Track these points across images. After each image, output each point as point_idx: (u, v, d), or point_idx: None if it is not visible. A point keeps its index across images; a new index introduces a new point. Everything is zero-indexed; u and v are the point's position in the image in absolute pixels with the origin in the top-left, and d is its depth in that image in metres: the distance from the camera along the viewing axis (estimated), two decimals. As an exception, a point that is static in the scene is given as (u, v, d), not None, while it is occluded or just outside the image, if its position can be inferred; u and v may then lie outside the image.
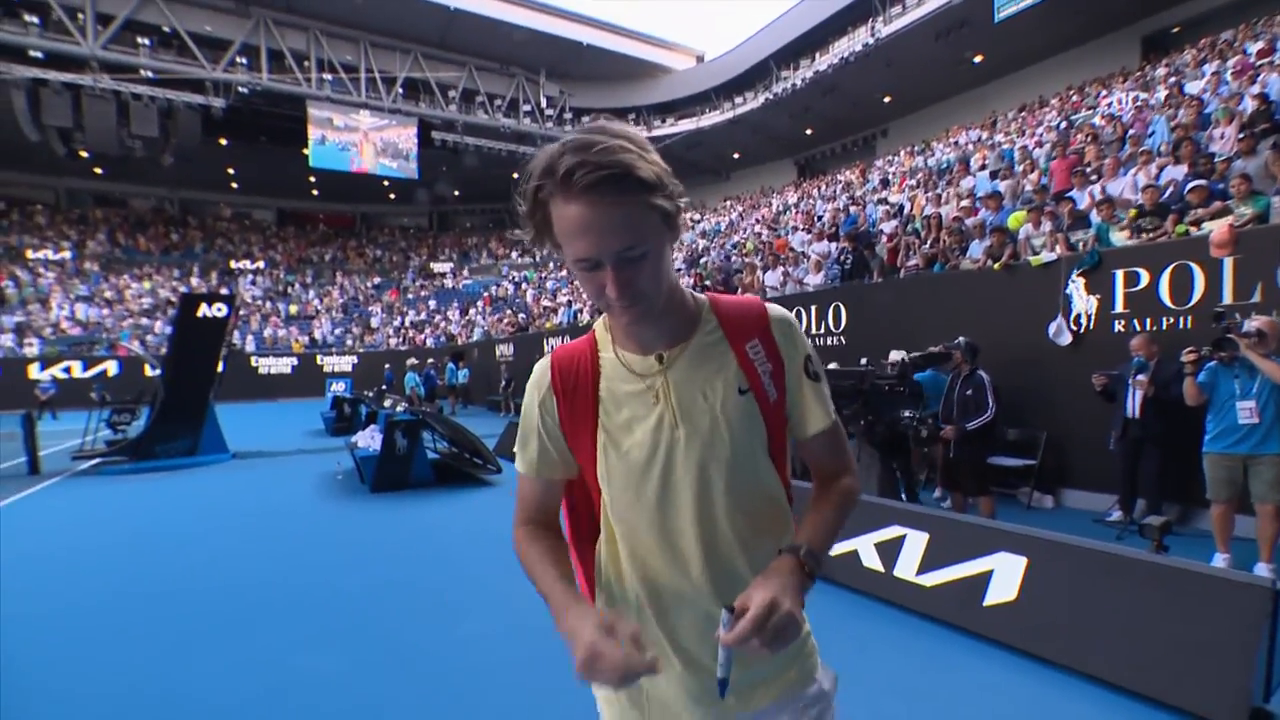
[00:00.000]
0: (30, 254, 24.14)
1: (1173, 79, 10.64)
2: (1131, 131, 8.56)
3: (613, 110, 27.22)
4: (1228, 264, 4.52)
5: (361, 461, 7.08)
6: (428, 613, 3.45)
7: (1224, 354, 3.71)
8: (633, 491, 0.80)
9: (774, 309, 0.86)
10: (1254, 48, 9.80)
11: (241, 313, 23.83)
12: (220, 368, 9.18)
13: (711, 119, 26.42)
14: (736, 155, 28.80)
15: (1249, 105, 7.06)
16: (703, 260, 15.22)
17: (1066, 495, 5.45)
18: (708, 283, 11.63)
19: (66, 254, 24.86)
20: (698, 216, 24.43)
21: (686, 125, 27.05)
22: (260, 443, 10.53)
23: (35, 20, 19.01)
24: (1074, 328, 5.30)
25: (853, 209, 11.91)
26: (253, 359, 21.71)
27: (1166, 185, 6.06)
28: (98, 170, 26.48)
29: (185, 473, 8.15)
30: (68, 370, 18.81)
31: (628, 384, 0.81)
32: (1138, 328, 4.92)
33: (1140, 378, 4.57)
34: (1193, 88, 9.34)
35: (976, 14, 16.74)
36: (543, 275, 25.38)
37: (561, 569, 0.80)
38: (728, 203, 26.03)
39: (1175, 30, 16.27)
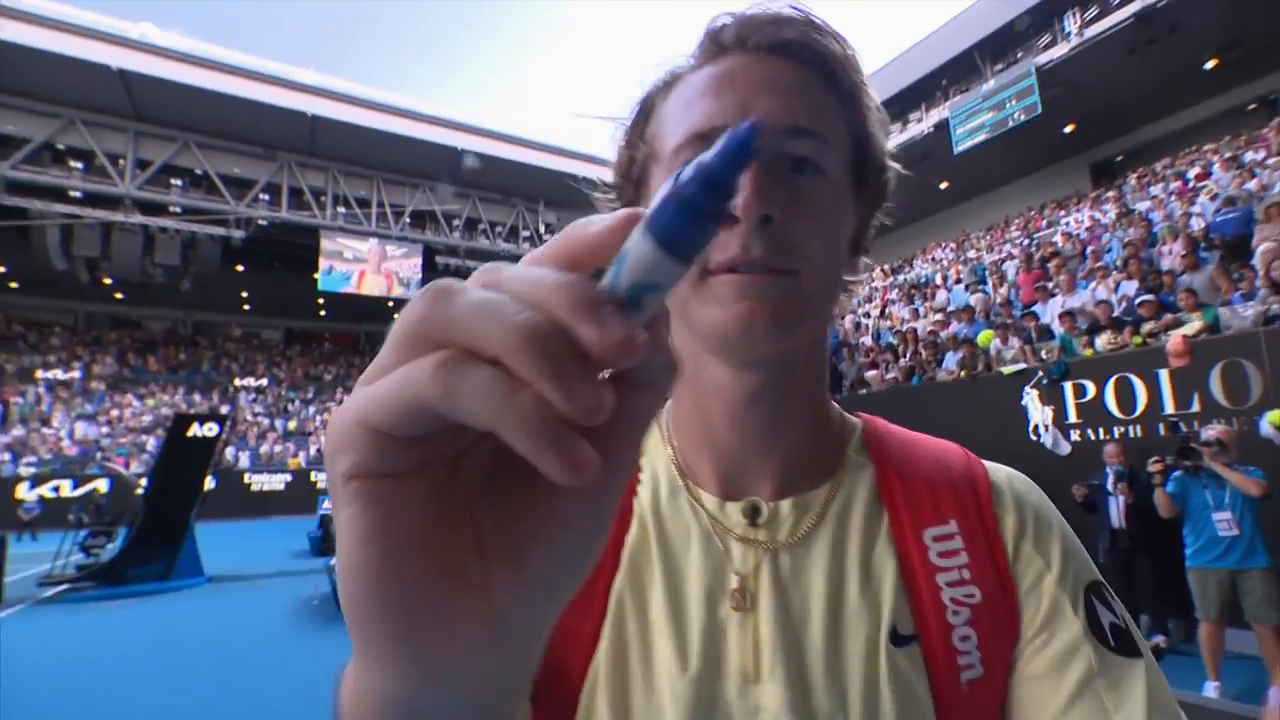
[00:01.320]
0: (40, 374, 24.67)
1: (1121, 200, 11.49)
2: (1090, 248, 9.13)
3: (609, 234, 29.09)
4: (1166, 376, 4.68)
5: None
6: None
7: (1188, 464, 3.75)
8: None
9: (998, 469, 0.50)
10: (1191, 173, 10.67)
11: (239, 429, 23.93)
12: (210, 484, 9.13)
13: (702, 240, 28.10)
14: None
15: (1193, 224, 7.61)
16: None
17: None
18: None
19: (76, 374, 25.40)
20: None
21: (679, 246, 28.69)
22: (240, 564, 10.20)
23: (79, 165, 20.82)
24: (1033, 437, 5.38)
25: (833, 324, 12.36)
26: (246, 475, 21.49)
27: (1120, 299, 6.38)
28: (119, 295, 27.75)
29: (156, 599, 7.84)
30: (56, 489, 18.56)
31: (690, 544, 0.45)
32: (1092, 437, 5.00)
33: (1121, 484, 4.57)
34: (1141, 207, 10.07)
35: (938, 147, 18.34)
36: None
37: None
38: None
39: (1119, 159, 17.75)
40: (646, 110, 0.47)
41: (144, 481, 13.35)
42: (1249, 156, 9.10)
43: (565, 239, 0.18)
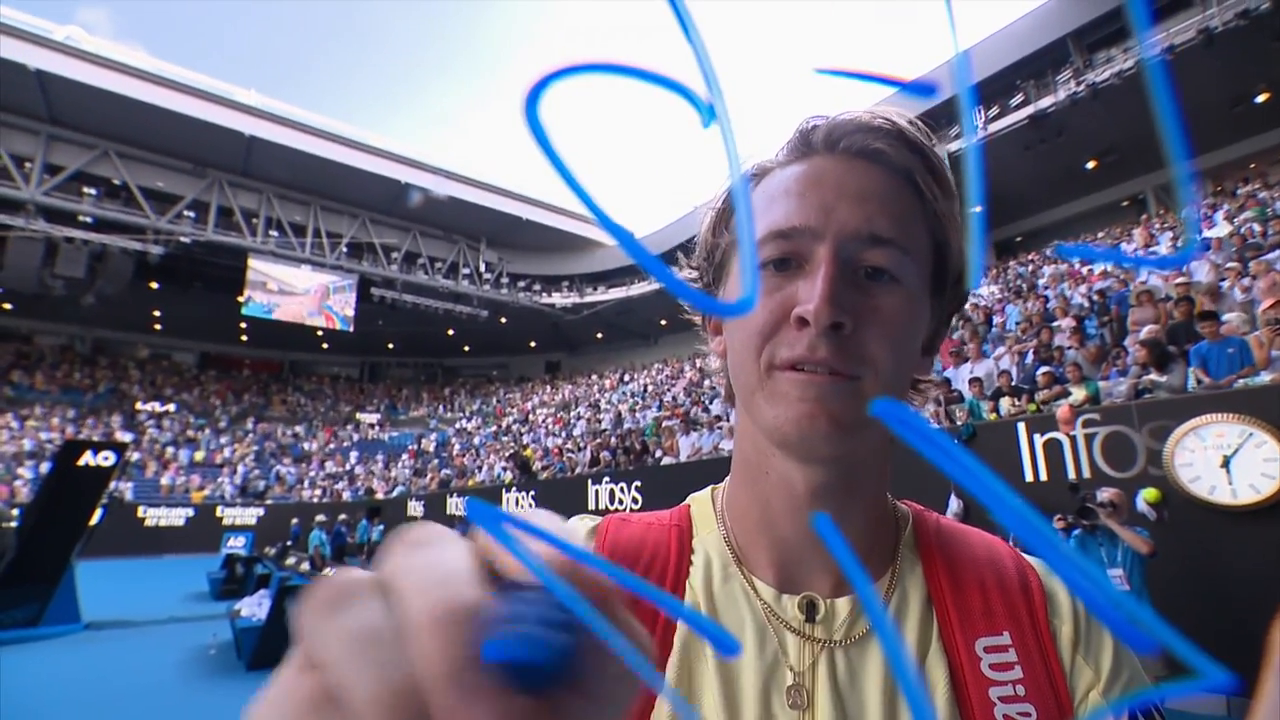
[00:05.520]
0: (-102, 390, 21.95)
1: (1021, 277, 12.75)
2: (996, 319, 10.04)
3: (548, 277, 29.30)
4: (1081, 438, 5.20)
5: (241, 633, 6.35)
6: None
7: (1086, 523, 4.10)
8: None
9: (1045, 567, 0.47)
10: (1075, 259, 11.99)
11: (134, 457, 21.94)
12: (97, 519, 8.34)
13: (640, 289, 28.63)
14: (664, 322, 30.92)
15: (1080, 302, 8.56)
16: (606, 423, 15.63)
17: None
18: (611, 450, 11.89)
19: (-58, 391, 22.75)
20: (627, 378, 25.44)
21: (617, 293, 29.07)
22: (126, 609, 9.26)
23: (-22, 165, 19.24)
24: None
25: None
26: (139, 509, 19.61)
27: (1020, 370, 7.05)
28: (6, 306, 25.32)
29: (19, 649, 7.00)
30: (-95, 524, 16.30)
31: (744, 634, 0.45)
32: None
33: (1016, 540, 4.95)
34: (1040, 282, 11.21)
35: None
36: (472, 429, 25.10)
37: None
38: (655, 366, 27.42)
39: (1018, 239, 19.71)
40: (728, 205, 0.48)
41: (15, 513, 11.99)
42: (1123, 246, 10.36)
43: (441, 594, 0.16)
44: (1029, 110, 15.31)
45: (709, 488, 0.54)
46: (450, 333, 30.29)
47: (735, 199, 0.18)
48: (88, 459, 8.03)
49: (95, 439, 15.91)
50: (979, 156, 0.18)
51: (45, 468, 18.49)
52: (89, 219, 20.41)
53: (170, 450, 23.91)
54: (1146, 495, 4.53)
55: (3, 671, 5.99)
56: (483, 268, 28.33)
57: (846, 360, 0.40)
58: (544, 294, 28.84)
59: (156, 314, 28.03)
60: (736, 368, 0.45)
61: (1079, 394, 5.54)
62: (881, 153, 0.43)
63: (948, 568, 0.46)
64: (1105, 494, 4.12)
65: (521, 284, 28.76)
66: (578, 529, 0.49)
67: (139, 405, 26.09)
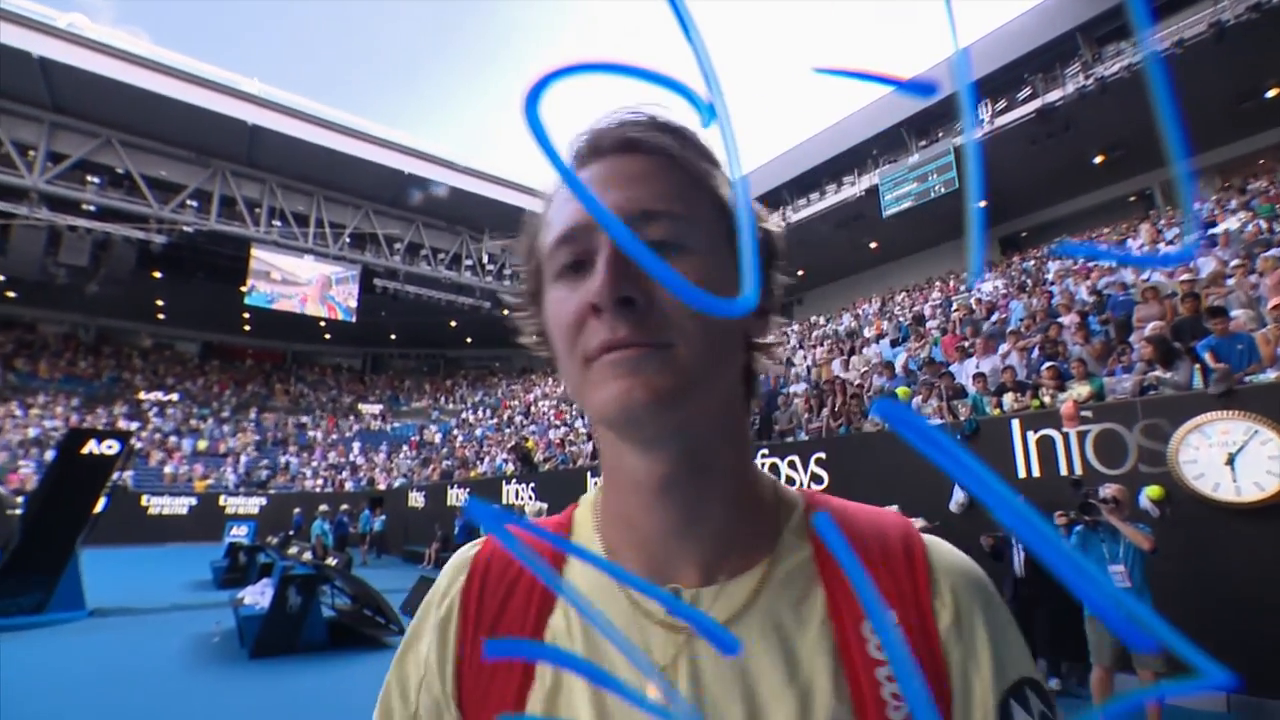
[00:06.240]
0: (-97, 377, 22.04)
1: (1026, 272, 12.68)
2: (999, 314, 9.99)
3: (554, 268, 29.20)
4: (1073, 435, 5.19)
5: (244, 621, 6.39)
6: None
7: (1088, 519, 4.09)
8: None
9: (939, 551, 0.47)
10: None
11: (138, 446, 22.03)
12: (101, 507, 8.38)
13: (645, 280, 28.61)
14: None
15: (1085, 298, 8.51)
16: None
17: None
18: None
19: (-53, 379, 22.83)
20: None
21: (621, 285, 29.06)
22: (130, 597, 9.32)
23: (-19, 152, 19.22)
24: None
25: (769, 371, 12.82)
26: (143, 498, 19.71)
27: (1024, 365, 7.02)
28: (10, 294, 25.37)
29: (23, 635, 7.05)
30: (-90, 510, 16.41)
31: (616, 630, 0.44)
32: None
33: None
34: (1047, 277, 11.15)
35: (868, 209, 19.69)
36: (473, 420, 25.14)
37: None
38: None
39: (1024, 234, 19.61)
40: (537, 227, 0.49)
41: (20, 501, 12.04)
42: (1129, 243, 10.30)
43: None
44: (1036, 104, 15.18)
45: (598, 487, 0.53)
46: (453, 324, 30.28)
47: (737, 205, 0.21)
48: (91, 448, 8.06)
49: (99, 428, 15.97)
50: (978, 152, 0.19)
51: (49, 456, 18.55)
52: (92, 207, 20.39)
53: (173, 439, 24.00)
54: (1150, 492, 4.52)
55: (7, 658, 6.04)
56: (485, 259, 28.28)
57: (650, 332, 0.40)
58: (547, 286, 28.78)
59: (160, 303, 28.06)
60: (563, 373, 0.45)
61: (1083, 390, 5.52)
62: (638, 141, 0.44)
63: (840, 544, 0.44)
64: (1108, 490, 4.10)
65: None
66: (455, 562, 0.52)
67: (142, 394, 26.17)
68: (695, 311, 0.39)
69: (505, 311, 0.54)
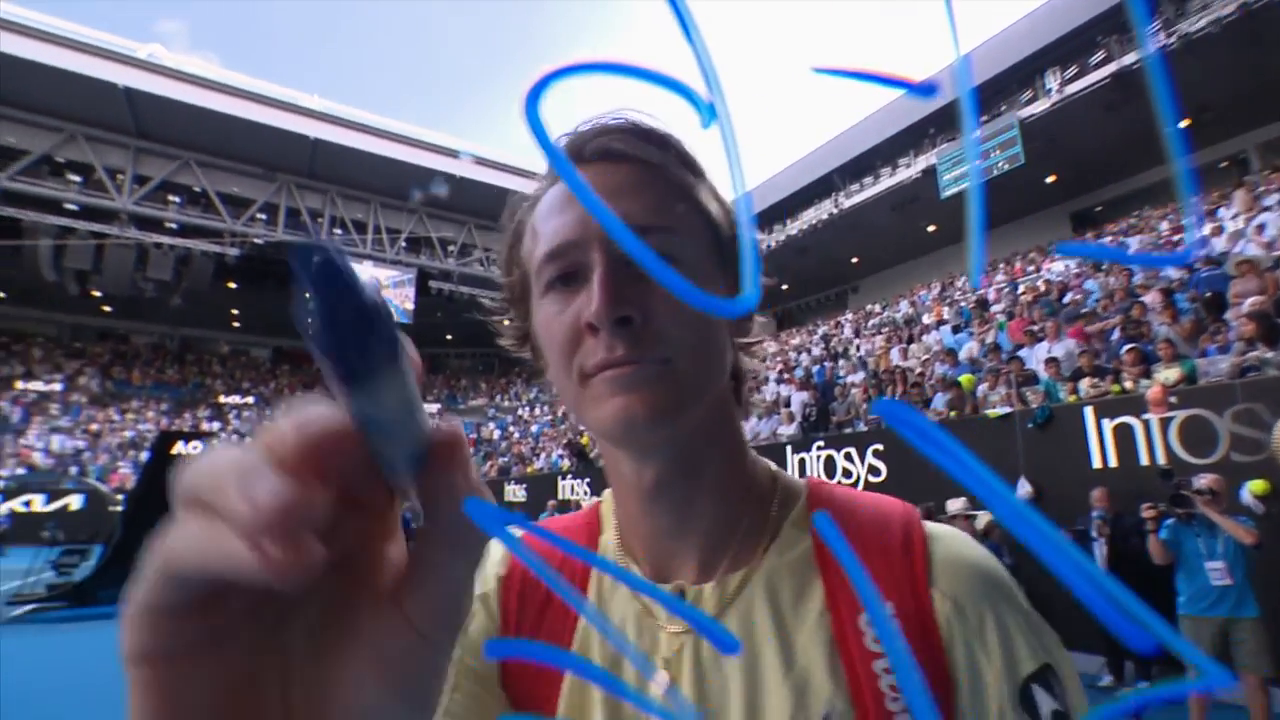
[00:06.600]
0: (19, 384, 24.24)
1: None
2: (1072, 295, 9.37)
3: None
4: (1155, 422, 4.80)
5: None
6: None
7: (1180, 511, 3.76)
8: None
9: (941, 539, 0.45)
10: (1164, 226, 11.06)
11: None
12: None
13: (695, 274, 28.47)
14: (718, 307, 30.58)
15: (1171, 274, 7.87)
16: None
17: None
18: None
19: (56, 385, 24.98)
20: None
21: (670, 279, 29.04)
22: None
23: (78, 179, 20.88)
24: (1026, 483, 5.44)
25: (826, 361, 12.51)
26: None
27: (1102, 349, 6.56)
28: (106, 309, 27.51)
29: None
30: (28, 504, 18.07)
31: (626, 627, 0.47)
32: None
33: (1105, 527, 4.61)
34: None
35: (925, 190, 18.87)
36: (529, 418, 25.62)
37: None
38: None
39: (1098, 209, 18.35)
40: (519, 232, 0.48)
41: (120, 499, 13.07)
42: (1221, 212, 9.47)
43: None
44: (1112, 68, 14.14)
45: (609, 490, 0.54)
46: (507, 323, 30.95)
47: (738, 209, 0.20)
48: (180, 448, 8.64)
49: (186, 429, 17.16)
50: (977, 149, 0.19)
51: (144, 457, 20.07)
52: (174, 225, 21.86)
53: (251, 440, 25.52)
54: (1253, 487, 4.13)
55: (106, 644, 6.53)
56: (536, 258, 28.81)
57: (647, 348, 0.41)
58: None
59: (234, 312, 29.84)
60: (559, 387, 0.46)
61: (1171, 374, 5.10)
62: (623, 151, 0.44)
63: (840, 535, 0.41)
64: (1203, 480, 3.78)
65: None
66: (492, 555, 0.52)
67: (222, 398, 27.94)
68: (689, 326, 0.41)
69: (494, 317, 0.53)
